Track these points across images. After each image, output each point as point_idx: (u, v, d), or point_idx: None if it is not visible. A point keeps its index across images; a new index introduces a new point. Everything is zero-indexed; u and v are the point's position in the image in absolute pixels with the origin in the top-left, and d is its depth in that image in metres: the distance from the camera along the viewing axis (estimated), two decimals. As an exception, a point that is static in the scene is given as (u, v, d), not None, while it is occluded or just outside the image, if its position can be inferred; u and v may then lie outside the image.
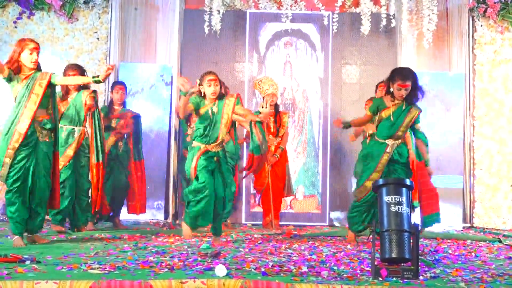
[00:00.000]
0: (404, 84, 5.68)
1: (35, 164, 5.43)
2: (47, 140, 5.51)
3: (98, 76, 5.50)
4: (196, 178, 5.75)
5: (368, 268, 4.32)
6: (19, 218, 5.41)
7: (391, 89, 5.74)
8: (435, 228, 7.41)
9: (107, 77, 5.59)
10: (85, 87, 6.54)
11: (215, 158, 5.78)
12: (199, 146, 5.78)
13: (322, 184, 8.61)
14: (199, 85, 5.78)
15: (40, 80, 5.46)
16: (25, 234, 5.53)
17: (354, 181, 7.91)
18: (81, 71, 6.51)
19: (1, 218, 7.78)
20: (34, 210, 5.50)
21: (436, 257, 5.01)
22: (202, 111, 5.79)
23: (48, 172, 5.54)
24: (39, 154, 5.46)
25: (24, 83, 5.43)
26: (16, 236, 5.42)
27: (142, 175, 7.47)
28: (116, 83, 7.55)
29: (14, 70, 5.44)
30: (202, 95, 5.80)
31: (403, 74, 5.73)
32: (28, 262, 4.25)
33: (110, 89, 7.45)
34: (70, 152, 6.37)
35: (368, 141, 6.31)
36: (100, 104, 7.54)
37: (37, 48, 5.47)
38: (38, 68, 5.55)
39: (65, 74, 6.36)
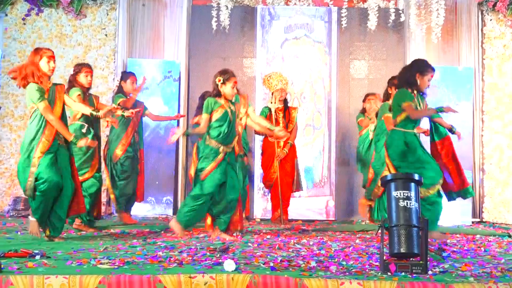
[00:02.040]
0: (433, 75, 5.64)
1: (59, 168, 5.47)
2: (64, 144, 5.57)
3: (98, 111, 5.75)
4: (200, 182, 5.79)
5: (377, 263, 4.31)
6: (43, 219, 5.43)
7: (418, 81, 5.61)
8: (444, 223, 7.40)
9: (107, 114, 5.79)
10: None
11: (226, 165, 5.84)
12: (218, 148, 5.78)
13: (330, 178, 8.60)
14: (222, 83, 5.81)
15: (59, 94, 5.53)
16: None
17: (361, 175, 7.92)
18: (92, 72, 6.63)
19: (12, 214, 7.82)
20: (57, 214, 5.49)
21: (445, 254, 4.99)
22: (220, 110, 5.82)
23: (70, 174, 5.58)
24: (61, 158, 5.51)
25: (46, 96, 5.45)
26: (34, 219, 5.42)
27: (142, 163, 7.54)
28: (129, 73, 7.47)
29: (37, 79, 5.42)
30: (221, 93, 5.84)
31: (430, 65, 5.67)
32: (38, 257, 4.27)
33: (120, 79, 7.40)
34: None
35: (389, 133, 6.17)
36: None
37: (53, 57, 5.54)
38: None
39: (80, 72, 6.43)
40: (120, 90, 7.28)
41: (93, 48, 8.59)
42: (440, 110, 5.98)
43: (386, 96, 7.07)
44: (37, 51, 5.55)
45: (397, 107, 5.74)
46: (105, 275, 3.61)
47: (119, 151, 7.17)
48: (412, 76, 5.63)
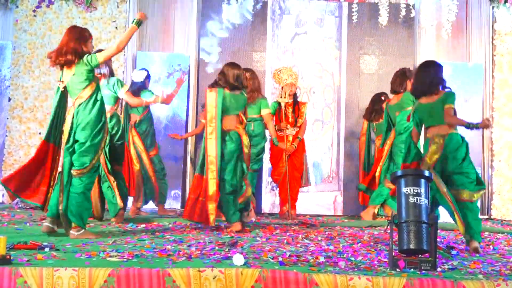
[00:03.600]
0: None
1: None
2: None
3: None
4: None
5: (385, 259, 4.31)
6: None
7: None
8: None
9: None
10: None
11: None
12: None
13: (339, 174, 8.59)
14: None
15: None
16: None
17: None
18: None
19: (20, 206, 7.85)
20: None
21: (454, 252, 4.97)
22: None
23: None
24: None
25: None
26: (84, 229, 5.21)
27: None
28: (148, 73, 7.45)
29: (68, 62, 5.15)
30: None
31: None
32: (47, 249, 4.29)
33: (146, 77, 7.37)
34: None
35: None
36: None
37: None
38: None
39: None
40: (144, 86, 7.23)
41: (103, 41, 8.58)
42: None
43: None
44: (85, 30, 5.29)
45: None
46: (114, 268, 3.63)
47: (152, 151, 7.33)
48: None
